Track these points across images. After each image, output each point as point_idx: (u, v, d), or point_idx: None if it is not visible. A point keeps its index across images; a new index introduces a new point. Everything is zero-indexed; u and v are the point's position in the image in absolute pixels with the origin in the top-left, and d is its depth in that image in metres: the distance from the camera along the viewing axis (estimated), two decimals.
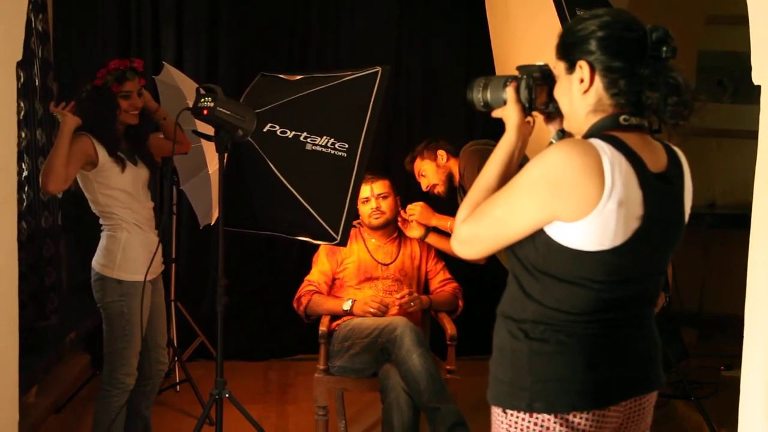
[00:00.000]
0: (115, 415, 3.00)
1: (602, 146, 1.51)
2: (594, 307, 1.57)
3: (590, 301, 1.56)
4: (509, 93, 1.73)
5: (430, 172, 3.52)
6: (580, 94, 1.61)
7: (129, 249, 2.96)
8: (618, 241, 1.51)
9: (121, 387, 3.00)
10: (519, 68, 1.75)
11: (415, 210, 3.52)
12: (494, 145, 1.77)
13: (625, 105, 1.57)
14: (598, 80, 1.58)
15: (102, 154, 2.89)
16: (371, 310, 3.30)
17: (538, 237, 1.56)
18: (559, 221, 1.52)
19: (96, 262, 2.98)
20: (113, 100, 2.92)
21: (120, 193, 2.96)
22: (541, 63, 1.74)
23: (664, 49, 1.55)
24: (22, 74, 3.75)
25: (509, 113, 1.74)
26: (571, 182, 1.49)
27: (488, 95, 1.80)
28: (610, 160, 1.49)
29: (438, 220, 3.50)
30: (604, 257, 1.52)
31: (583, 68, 1.59)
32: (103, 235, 3.01)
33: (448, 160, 3.52)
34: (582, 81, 1.59)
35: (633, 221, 1.51)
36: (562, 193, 1.50)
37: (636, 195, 1.51)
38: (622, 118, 1.56)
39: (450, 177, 3.53)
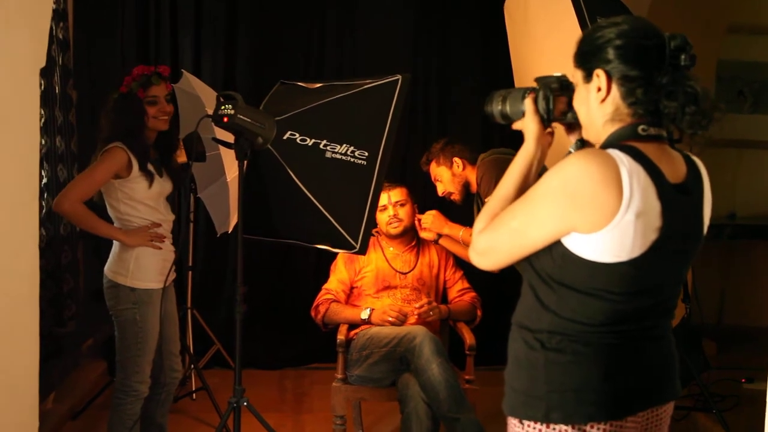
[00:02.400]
0: (131, 424, 2.98)
1: (621, 157, 1.49)
2: (611, 319, 1.55)
3: (607, 313, 1.55)
4: (527, 104, 1.74)
5: (445, 179, 3.49)
6: (598, 104, 1.60)
7: (142, 257, 2.95)
8: (636, 253, 1.49)
9: (134, 395, 2.99)
10: (537, 80, 1.75)
11: (428, 220, 3.50)
12: (513, 155, 1.77)
13: (643, 114, 1.55)
14: (615, 89, 1.56)
15: (135, 167, 2.90)
16: (390, 319, 3.29)
17: (555, 248, 1.55)
18: (577, 233, 1.50)
19: (108, 269, 2.98)
20: (140, 107, 2.93)
21: (142, 206, 2.97)
22: (560, 74, 1.74)
23: (683, 57, 1.53)
24: (42, 82, 3.77)
25: (528, 124, 1.74)
26: (590, 193, 1.47)
27: (507, 108, 1.81)
28: (628, 172, 1.47)
29: (450, 230, 3.48)
30: (622, 269, 1.50)
31: (600, 77, 1.58)
32: (117, 242, 3.00)
33: (464, 168, 3.47)
34: (599, 90, 1.58)
35: (651, 233, 1.49)
36: (580, 205, 1.48)
37: (654, 206, 1.49)
38: (640, 128, 1.54)
39: (466, 185, 3.49)
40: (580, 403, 1.56)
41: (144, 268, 2.92)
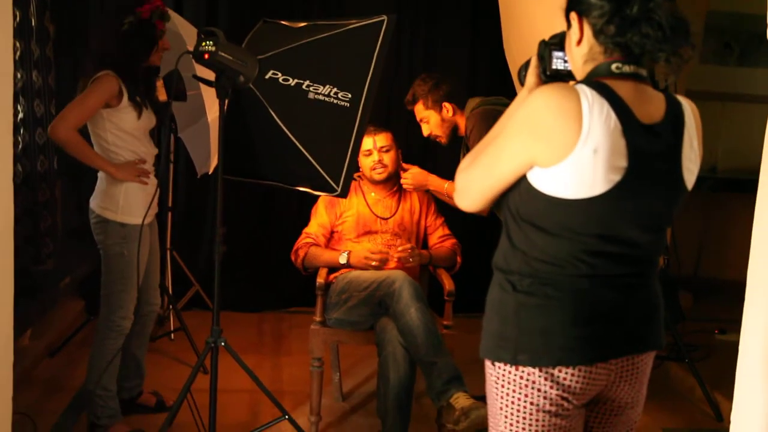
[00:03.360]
0: (111, 358, 3.00)
1: (585, 91, 1.49)
2: (579, 261, 1.55)
3: (573, 253, 1.55)
4: (531, 61, 1.76)
5: (433, 123, 3.40)
6: (575, 46, 1.61)
7: (131, 193, 2.96)
8: (596, 191, 1.49)
9: (117, 329, 3.02)
10: (541, 40, 1.77)
11: (408, 177, 3.43)
12: (504, 105, 1.77)
13: (614, 50, 1.55)
14: (587, 28, 1.57)
15: (125, 96, 2.89)
16: (373, 263, 3.28)
17: (521, 184, 1.56)
18: (538, 167, 1.51)
19: (96, 205, 2.97)
20: (154, 36, 2.92)
21: (129, 137, 2.96)
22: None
23: None
24: (18, 13, 3.67)
25: (528, 78, 1.76)
26: (549, 125, 1.48)
27: (523, 71, 1.83)
28: (589, 105, 1.47)
29: (434, 185, 3.42)
30: (582, 206, 1.50)
31: (573, 19, 1.60)
32: (103, 176, 2.98)
33: (454, 114, 3.38)
34: (575, 32, 1.60)
35: (613, 172, 1.49)
36: (539, 136, 1.49)
37: (618, 144, 1.48)
38: (614, 66, 1.54)
39: (454, 129, 3.42)
40: (549, 347, 1.57)
41: (133, 203, 2.92)
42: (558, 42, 1.71)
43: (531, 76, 1.75)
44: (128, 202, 2.94)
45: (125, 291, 3.00)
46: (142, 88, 3.01)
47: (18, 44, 3.70)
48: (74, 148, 2.82)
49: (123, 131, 2.94)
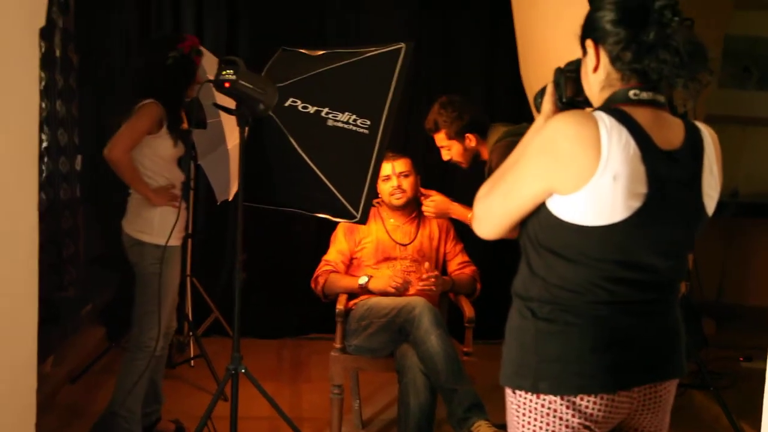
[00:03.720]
0: (136, 379, 3.06)
1: (602, 117, 1.49)
2: (598, 287, 1.54)
3: (592, 280, 1.53)
4: (548, 88, 1.77)
5: (455, 151, 3.36)
6: (592, 73, 1.61)
7: (165, 216, 3.04)
8: (616, 218, 1.48)
9: (146, 350, 3.08)
10: (556, 68, 1.78)
11: (430, 205, 3.40)
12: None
13: (633, 77, 1.54)
14: (603, 55, 1.57)
15: (165, 124, 3.03)
16: (394, 284, 3.27)
17: (541, 211, 1.55)
18: (557, 194, 1.51)
19: (131, 228, 3.08)
20: (193, 71, 3.09)
21: (165, 162, 3.08)
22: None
23: (667, 13, 1.50)
24: (43, 44, 3.74)
25: (544, 105, 1.76)
26: (567, 152, 1.47)
27: (539, 98, 1.84)
28: (608, 132, 1.47)
29: (456, 213, 3.38)
30: (602, 233, 1.49)
31: (589, 46, 1.60)
32: (136, 199, 3.09)
33: (477, 144, 3.33)
34: (591, 59, 1.60)
35: (633, 198, 1.48)
36: (558, 164, 1.49)
37: (638, 171, 1.47)
38: (632, 92, 1.54)
39: (476, 156, 3.40)
40: (569, 374, 1.55)
41: (167, 226, 3.00)
42: (574, 69, 1.71)
43: (547, 103, 1.75)
44: (163, 225, 3.04)
45: (156, 312, 3.07)
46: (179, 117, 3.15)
47: (43, 74, 3.76)
48: (125, 170, 2.96)
49: (160, 157, 3.06)
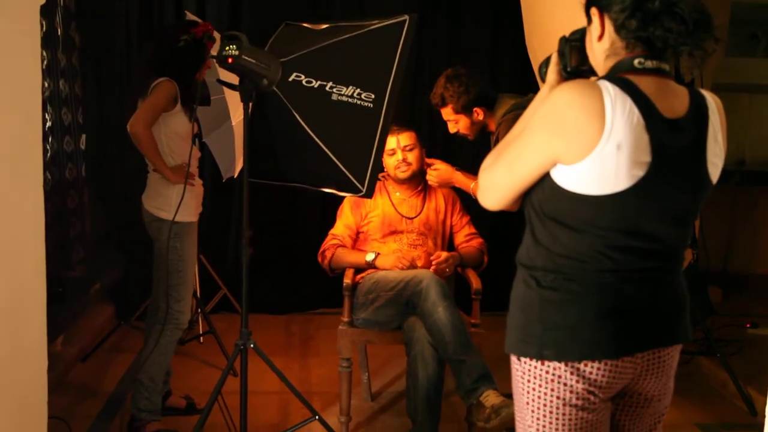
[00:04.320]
0: (170, 355, 3.21)
1: (606, 86, 1.48)
2: (602, 256, 1.54)
3: (596, 248, 1.54)
4: (552, 58, 1.76)
5: (462, 125, 3.33)
6: (596, 42, 1.61)
7: (185, 193, 3.05)
8: (621, 186, 1.48)
9: (175, 322, 3.17)
10: (561, 37, 1.77)
11: (433, 174, 3.41)
12: None
13: (637, 46, 1.54)
14: (608, 24, 1.57)
15: (179, 101, 3.09)
16: (401, 266, 3.27)
17: (545, 181, 1.56)
18: (561, 164, 1.51)
19: (151, 205, 3.17)
20: (204, 55, 3.15)
21: (180, 140, 3.14)
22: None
23: None
24: (44, 23, 3.72)
25: (549, 75, 1.76)
26: (571, 121, 1.48)
27: (544, 68, 1.83)
28: (612, 101, 1.46)
29: (459, 182, 3.39)
30: (606, 202, 1.50)
31: (594, 14, 1.59)
32: (155, 177, 3.16)
33: (485, 117, 3.30)
34: (596, 27, 1.59)
35: (637, 167, 1.48)
36: (562, 133, 1.49)
37: (642, 140, 1.47)
38: (636, 61, 1.54)
39: (483, 128, 3.38)
40: (574, 341, 1.56)
41: (185, 203, 3.05)
42: (579, 38, 1.70)
43: (552, 73, 1.74)
44: (182, 202, 3.08)
45: (182, 284, 3.16)
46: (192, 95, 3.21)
47: (45, 53, 3.75)
48: (146, 145, 3.01)
49: (176, 134, 3.12)
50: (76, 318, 4.20)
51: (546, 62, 1.78)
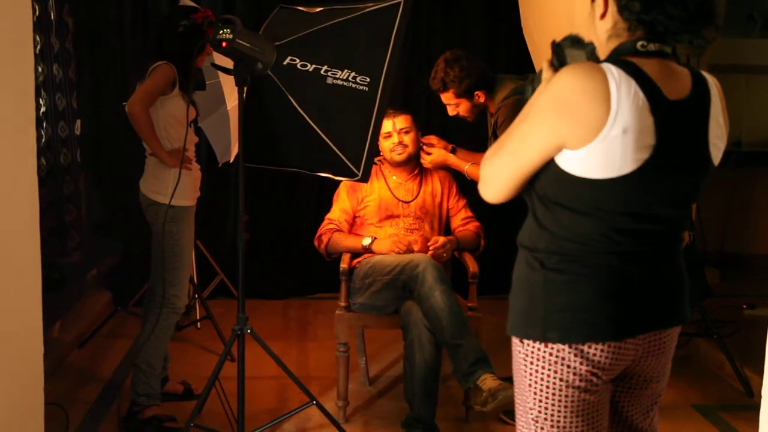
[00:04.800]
0: (167, 340, 3.19)
1: (611, 69, 1.47)
2: (607, 239, 1.54)
3: (601, 231, 1.54)
4: (544, 63, 1.73)
5: (462, 108, 3.33)
6: (599, 20, 1.60)
7: (181, 177, 3.05)
8: (626, 169, 1.48)
9: (172, 306, 3.15)
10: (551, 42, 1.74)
11: (426, 159, 3.44)
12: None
13: (640, 28, 1.54)
14: (612, 3, 1.56)
15: (177, 85, 3.09)
16: (397, 251, 3.27)
17: (549, 167, 1.55)
18: (567, 149, 1.50)
19: (148, 189, 3.16)
20: (204, 41, 3.11)
21: (178, 124, 3.12)
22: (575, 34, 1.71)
23: None
24: (37, 7, 3.69)
25: (544, 73, 1.72)
26: (576, 106, 1.47)
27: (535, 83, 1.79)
28: (617, 84, 1.46)
29: (454, 164, 3.41)
30: (611, 186, 1.49)
31: None
32: (153, 161, 3.15)
33: (486, 100, 3.31)
34: (599, 6, 1.59)
35: (642, 150, 1.47)
36: (567, 118, 1.48)
37: (646, 122, 1.47)
38: (639, 44, 1.53)
39: (483, 110, 3.38)
40: (578, 323, 1.56)
41: (182, 187, 3.04)
42: (569, 42, 1.67)
43: (547, 71, 1.69)
44: (179, 186, 3.05)
45: (178, 268, 3.15)
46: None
47: (38, 38, 3.72)
48: (143, 126, 3.01)
49: (174, 118, 3.11)
50: (73, 304, 4.19)
51: (538, 77, 1.75)
